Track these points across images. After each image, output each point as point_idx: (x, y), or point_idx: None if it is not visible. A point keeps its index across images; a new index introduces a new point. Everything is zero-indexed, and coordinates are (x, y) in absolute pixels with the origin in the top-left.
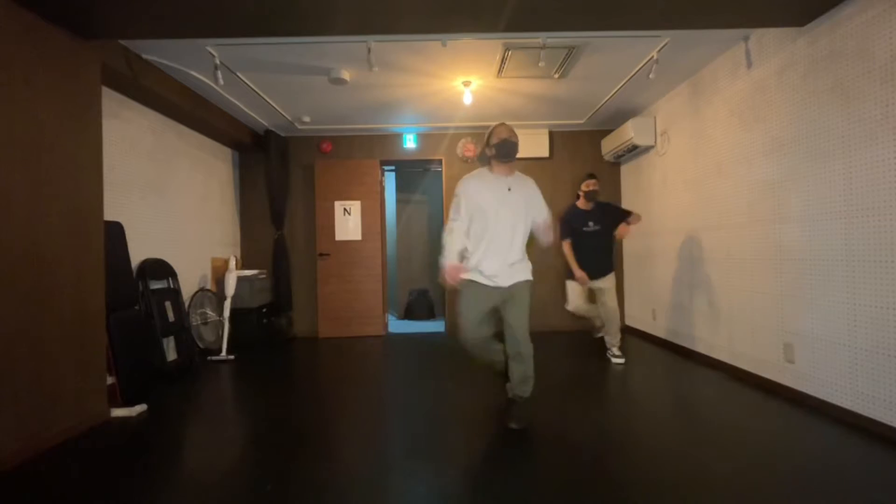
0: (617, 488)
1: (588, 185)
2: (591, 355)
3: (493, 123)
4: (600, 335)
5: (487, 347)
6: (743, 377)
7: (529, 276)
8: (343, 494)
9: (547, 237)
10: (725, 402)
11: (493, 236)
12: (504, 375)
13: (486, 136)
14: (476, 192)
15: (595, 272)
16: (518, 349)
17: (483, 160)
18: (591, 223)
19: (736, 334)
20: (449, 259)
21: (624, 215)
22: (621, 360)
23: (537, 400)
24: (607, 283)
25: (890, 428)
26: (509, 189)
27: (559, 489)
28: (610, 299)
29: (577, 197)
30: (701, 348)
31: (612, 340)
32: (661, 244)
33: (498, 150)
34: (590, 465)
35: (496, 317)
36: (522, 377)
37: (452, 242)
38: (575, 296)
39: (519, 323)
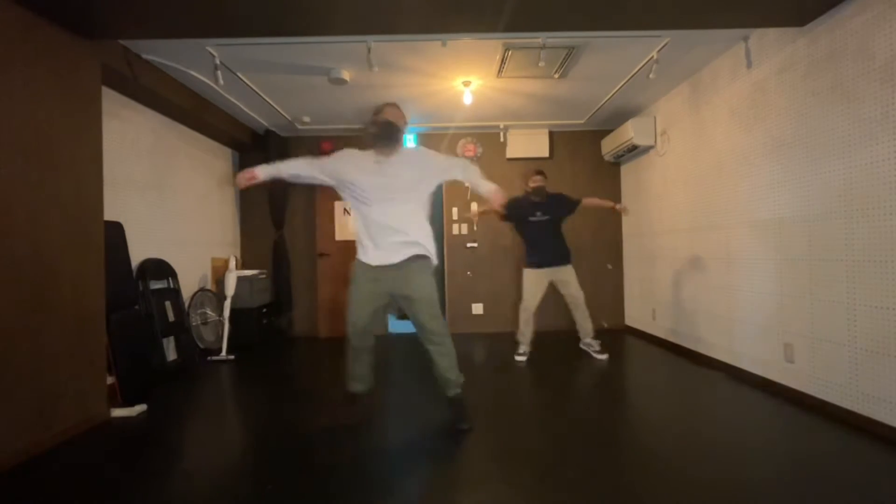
0: (616, 488)
1: (534, 182)
2: (577, 356)
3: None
4: (589, 345)
5: (365, 357)
6: (743, 377)
7: (425, 253)
8: (343, 495)
9: (487, 190)
10: (725, 401)
11: (370, 221)
12: (350, 396)
13: (373, 113)
14: (346, 163)
15: (554, 259)
16: (431, 336)
17: (367, 139)
18: (538, 213)
19: (736, 334)
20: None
21: (573, 204)
22: (604, 356)
23: (536, 401)
24: (567, 274)
25: (890, 428)
26: (385, 167)
27: (561, 490)
28: (575, 289)
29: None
30: (701, 348)
31: (586, 329)
32: (660, 244)
33: (382, 130)
34: (588, 465)
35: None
36: (450, 366)
37: (283, 163)
38: (533, 287)
39: (425, 305)
